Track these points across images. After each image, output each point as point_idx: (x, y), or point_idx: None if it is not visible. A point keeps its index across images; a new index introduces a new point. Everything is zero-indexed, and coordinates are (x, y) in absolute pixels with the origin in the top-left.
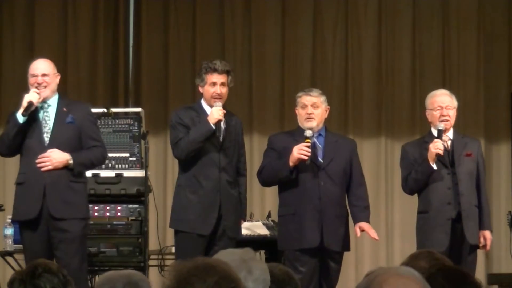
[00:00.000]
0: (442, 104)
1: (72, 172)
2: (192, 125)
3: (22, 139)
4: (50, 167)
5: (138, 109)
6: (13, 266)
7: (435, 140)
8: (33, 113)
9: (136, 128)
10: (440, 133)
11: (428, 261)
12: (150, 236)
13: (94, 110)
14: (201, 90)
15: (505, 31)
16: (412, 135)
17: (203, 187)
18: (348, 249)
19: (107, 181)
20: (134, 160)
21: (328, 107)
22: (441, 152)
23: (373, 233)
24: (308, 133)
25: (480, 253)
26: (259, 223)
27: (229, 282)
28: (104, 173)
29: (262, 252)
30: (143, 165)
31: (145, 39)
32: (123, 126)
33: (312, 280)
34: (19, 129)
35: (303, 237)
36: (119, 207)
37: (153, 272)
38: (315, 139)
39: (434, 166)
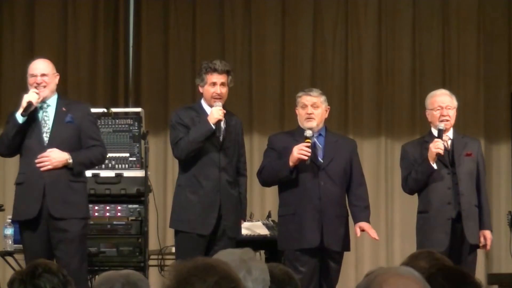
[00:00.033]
0: (442, 104)
1: (71, 171)
2: (192, 125)
3: (22, 139)
4: (49, 167)
5: (138, 109)
6: (13, 266)
7: (436, 139)
8: (32, 113)
9: (136, 128)
10: (441, 132)
11: (428, 261)
12: (150, 236)
13: (94, 110)
14: (201, 90)
15: (505, 31)
16: (412, 135)
17: (203, 187)
18: (348, 249)
19: (107, 181)
20: (134, 160)
21: (328, 107)
22: (441, 151)
23: (373, 233)
24: (308, 133)
25: (480, 253)
26: (259, 223)
27: (229, 282)
28: (104, 173)
29: (262, 252)
30: (143, 165)
31: (145, 39)
32: (123, 126)
33: (312, 280)
34: (19, 129)
35: (303, 237)
36: (119, 207)
37: (153, 272)
38: (315, 139)
39: (435, 166)
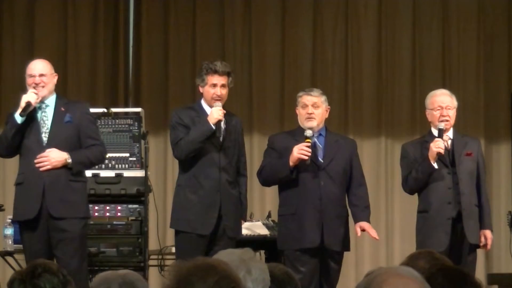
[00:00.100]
0: (442, 104)
1: (71, 171)
2: (192, 125)
3: (21, 139)
4: (48, 167)
5: (138, 109)
6: (13, 266)
7: (436, 139)
8: (31, 113)
9: (136, 128)
10: (441, 132)
11: (428, 261)
12: (150, 236)
13: (94, 110)
14: (201, 90)
15: (505, 31)
16: (412, 135)
17: (203, 187)
18: (348, 249)
19: (107, 181)
20: (134, 160)
21: (329, 107)
22: (442, 151)
23: (373, 233)
24: (308, 133)
25: (480, 253)
26: (259, 223)
27: (229, 282)
28: (104, 173)
29: (262, 252)
30: (143, 165)
31: (145, 39)
32: (123, 126)
33: (312, 280)
34: (18, 130)
35: (303, 237)
36: (119, 207)
37: (153, 272)
38: (315, 139)
39: (435, 165)
